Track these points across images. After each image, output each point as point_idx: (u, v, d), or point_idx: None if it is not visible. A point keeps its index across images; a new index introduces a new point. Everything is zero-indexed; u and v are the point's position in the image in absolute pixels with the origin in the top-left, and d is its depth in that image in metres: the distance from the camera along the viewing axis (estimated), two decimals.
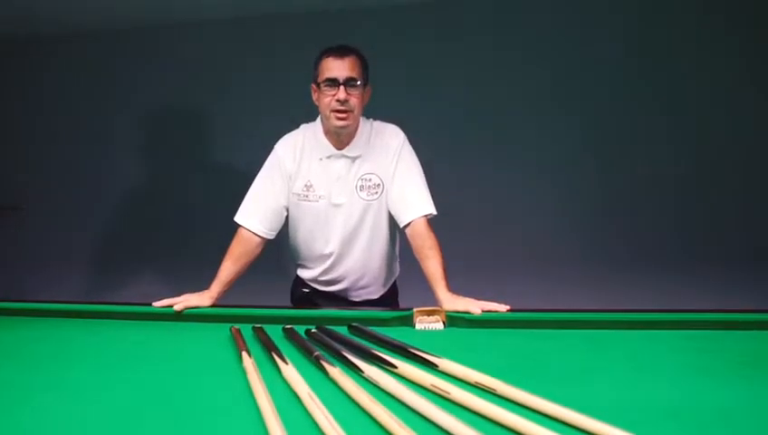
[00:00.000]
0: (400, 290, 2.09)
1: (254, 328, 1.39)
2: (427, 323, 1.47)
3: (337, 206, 1.82)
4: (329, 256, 1.88)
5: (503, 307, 1.50)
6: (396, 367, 1.01)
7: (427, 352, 1.06)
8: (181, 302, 1.65)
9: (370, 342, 1.23)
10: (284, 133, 1.90)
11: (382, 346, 1.17)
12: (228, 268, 1.77)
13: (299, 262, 2.01)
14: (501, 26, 3.33)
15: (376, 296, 1.98)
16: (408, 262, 2.02)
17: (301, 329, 1.34)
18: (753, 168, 3.10)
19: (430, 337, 1.37)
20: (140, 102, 3.78)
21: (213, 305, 1.68)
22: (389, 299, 2.01)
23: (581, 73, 3.24)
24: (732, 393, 0.92)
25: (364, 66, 1.77)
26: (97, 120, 3.83)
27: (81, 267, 3.83)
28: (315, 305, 1.95)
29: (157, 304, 1.66)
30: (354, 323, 1.39)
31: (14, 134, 3.98)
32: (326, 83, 1.72)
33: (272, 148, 1.88)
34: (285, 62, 3.34)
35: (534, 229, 3.30)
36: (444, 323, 1.47)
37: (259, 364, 1.07)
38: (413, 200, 1.78)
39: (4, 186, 3.98)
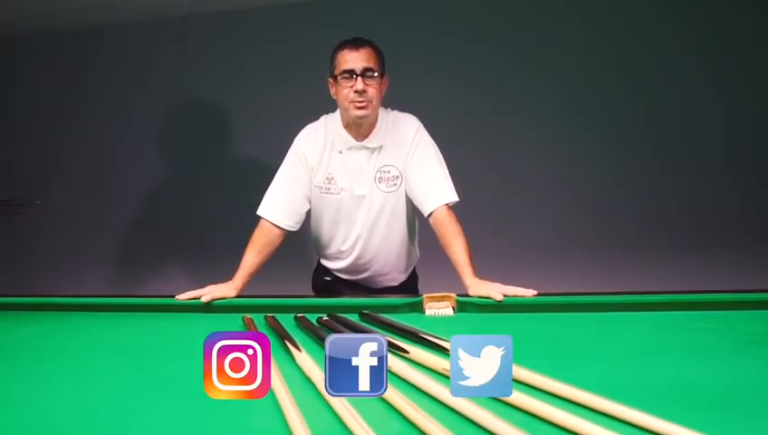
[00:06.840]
0: (420, 276, 2.10)
1: (266, 317, 1.40)
2: (437, 309, 1.48)
3: (359, 198, 1.83)
4: (351, 246, 1.90)
5: (529, 292, 1.50)
6: (408, 352, 1.02)
7: (438, 337, 1.07)
8: (207, 293, 1.65)
9: (381, 328, 1.24)
10: (301, 128, 1.89)
11: (394, 332, 1.18)
12: (251, 259, 1.78)
13: (321, 252, 2.02)
14: (499, 25, 3.31)
15: (396, 283, 2.00)
16: (427, 249, 2.03)
17: (312, 317, 1.36)
18: (759, 148, 3.08)
19: (441, 323, 1.38)
20: (157, 100, 3.77)
21: (237, 296, 1.69)
22: (409, 286, 2.03)
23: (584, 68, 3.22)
24: (741, 371, 0.93)
25: (380, 57, 1.77)
26: (116, 117, 3.84)
27: (96, 265, 3.84)
28: (337, 293, 1.96)
29: (180, 296, 1.65)
30: (365, 311, 1.40)
31: (31, 131, 3.99)
32: (343, 75, 1.72)
33: (290, 142, 1.88)
34: (301, 55, 3.32)
35: (538, 217, 3.30)
36: (454, 308, 1.49)
37: (273, 351, 1.08)
38: (433, 190, 1.78)
39: (19, 182, 4.00)
